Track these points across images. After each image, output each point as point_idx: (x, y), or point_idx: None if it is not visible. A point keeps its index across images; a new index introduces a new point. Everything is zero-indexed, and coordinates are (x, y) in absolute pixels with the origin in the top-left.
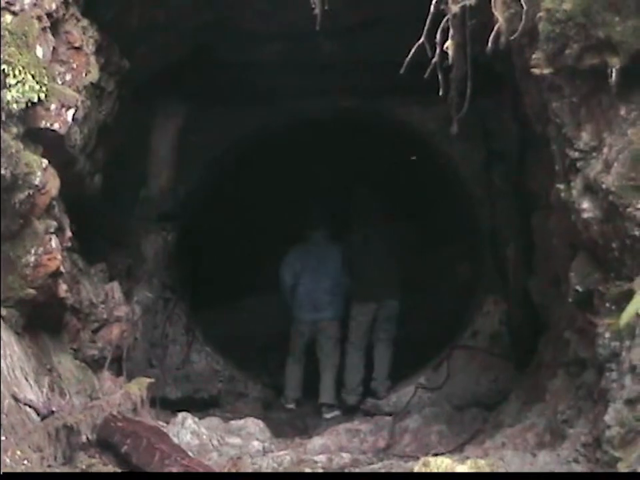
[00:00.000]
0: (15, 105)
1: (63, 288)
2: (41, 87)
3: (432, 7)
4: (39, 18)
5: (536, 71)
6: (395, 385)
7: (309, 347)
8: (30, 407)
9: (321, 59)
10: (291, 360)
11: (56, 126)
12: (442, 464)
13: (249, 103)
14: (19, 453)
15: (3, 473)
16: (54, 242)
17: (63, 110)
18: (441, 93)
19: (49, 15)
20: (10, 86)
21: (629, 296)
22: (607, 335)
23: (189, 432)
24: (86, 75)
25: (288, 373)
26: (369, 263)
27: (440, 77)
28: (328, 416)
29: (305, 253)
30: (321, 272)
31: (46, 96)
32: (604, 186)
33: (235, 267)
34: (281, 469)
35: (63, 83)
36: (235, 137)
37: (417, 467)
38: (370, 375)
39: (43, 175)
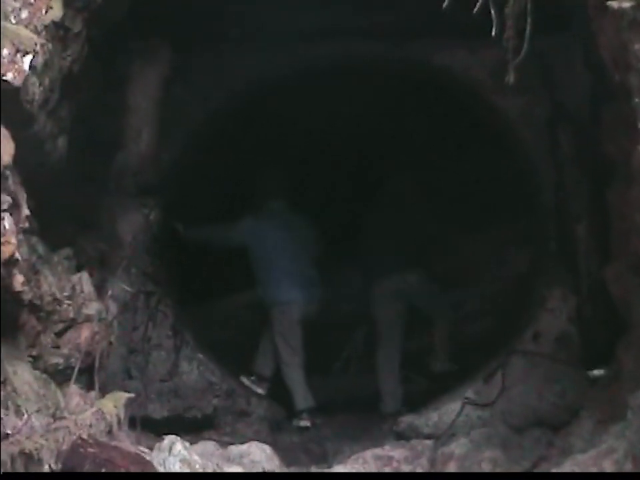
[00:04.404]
0: None
1: (18, 280)
2: None
3: None
4: None
5: (614, 4)
6: (436, 399)
7: (304, 334)
8: None
9: None
10: (287, 362)
11: (9, 76)
12: None
13: (248, 47)
14: None
15: (3, 473)
16: (7, 222)
17: (18, 56)
18: (493, 33)
19: None
20: None
21: None
22: None
23: (177, 460)
24: (46, 11)
25: (290, 381)
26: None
27: (492, 11)
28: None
29: (265, 224)
30: (298, 243)
31: None
32: None
33: (233, 252)
34: None
35: (17, 22)
36: (231, 89)
37: None
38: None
39: None
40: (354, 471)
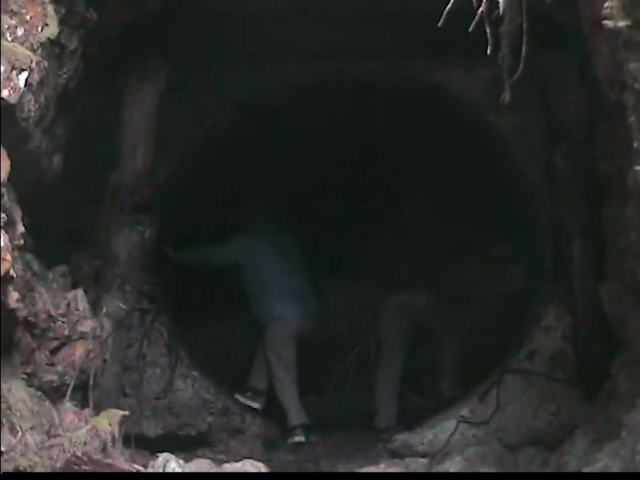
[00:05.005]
0: None
1: (13, 297)
2: None
3: None
4: None
5: (609, 23)
6: (431, 418)
7: (299, 351)
8: None
9: (335, 9)
10: (280, 378)
11: (5, 93)
12: None
13: (243, 65)
14: None
15: (3, 473)
16: (2, 239)
17: (14, 73)
18: (488, 52)
19: None
20: None
21: None
22: None
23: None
24: (42, 29)
25: (283, 397)
26: None
27: (488, 31)
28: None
29: (256, 242)
30: (289, 260)
31: None
32: None
33: (228, 270)
34: None
35: (13, 40)
36: (227, 107)
37: None
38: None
39: None
40: None
